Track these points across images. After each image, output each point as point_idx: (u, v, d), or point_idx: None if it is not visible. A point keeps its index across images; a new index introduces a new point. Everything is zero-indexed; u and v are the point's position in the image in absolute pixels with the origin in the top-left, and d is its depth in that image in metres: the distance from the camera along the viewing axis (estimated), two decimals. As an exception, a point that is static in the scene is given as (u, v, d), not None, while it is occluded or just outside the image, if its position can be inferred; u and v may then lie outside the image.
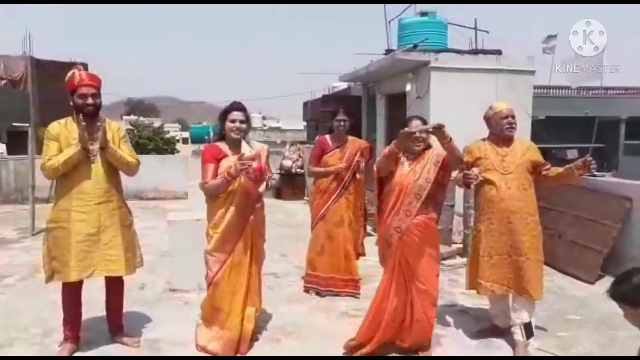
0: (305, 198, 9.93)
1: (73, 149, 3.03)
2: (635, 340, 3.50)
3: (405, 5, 8.96)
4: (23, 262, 5.56)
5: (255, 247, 3.34)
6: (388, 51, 8.18)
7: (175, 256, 4.59)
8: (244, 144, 3.28)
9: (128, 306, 4.13)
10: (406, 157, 3.25)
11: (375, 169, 3.36)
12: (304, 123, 36.81)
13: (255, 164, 3.02)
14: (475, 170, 3.36)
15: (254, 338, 3.38)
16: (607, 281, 4.81)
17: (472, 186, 3.39)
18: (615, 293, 2.08)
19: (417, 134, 3.10)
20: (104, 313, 3.62)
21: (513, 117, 3.39)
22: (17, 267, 5.32)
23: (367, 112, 9.82)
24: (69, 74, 3.13)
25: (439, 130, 2.97)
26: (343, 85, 23.37)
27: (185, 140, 51.47)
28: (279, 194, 11.11)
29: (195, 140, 50.77)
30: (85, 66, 20.39)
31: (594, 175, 5.95)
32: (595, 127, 10.84)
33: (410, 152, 3.22)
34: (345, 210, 4.40)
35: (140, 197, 10.40)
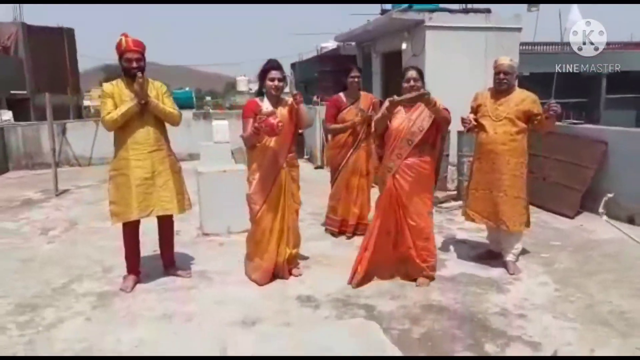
0: (306, 156, 10.42)
1: (129, 103, 3.51)
2: (605, 258, 4.24)
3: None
4: (58, 217, 6.07)
5: (289, 192, 3.78)
6: (384, 11, 8.56)
7: (205, 204, 5.13)
8: (265, 101, 3.70)
9: (170, 248, 4.72)
10: (403, 105, 3.60)
11: (372, 127, 3.84)
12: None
13: (272, 120, 3.41)
14: (471, 116, 3.94)
15: (291, 270, 3.91)
16: (584, 216, 5.54)
17: (467, 130, 3.96)
18: None
19: (412, 84, 3.54)
20: (155, 252, 4.19)
21: (505, 73, 3.87)
22: (55, 222, 5.83)
23: (363, 70, 10.23)
24: (117, 40, 3.56)
25: (423, 97, 3.42)
26: (332, 46, 23.44)
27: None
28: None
29: (179, 105, 50.11)
30: (72, 31, 20.26)
31: (574, 123, 6.59)
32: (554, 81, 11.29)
33: (405, 102, 3.55)
34: (364, 161, 4.82)
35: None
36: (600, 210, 2.72)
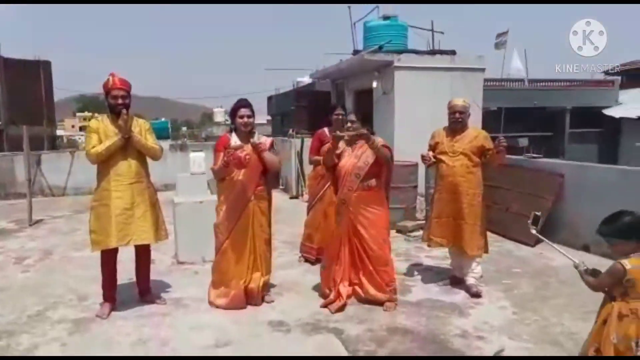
0: (281, 187, 10.62)
1: (114, 138, 3.70)
2: (560, 284, 4.50)
3: (369, 9, 9.81)
4: (33, 247, 6.09)
5: (257, 224, 3.94)
6: (356, 52, 9.01)
7: (180, 233, 5.26)
8: (233, 135, 3.94)
9: (145, 276, 4.81)
10: (349, 144, 3.98)
11: (322, 163, 4.12)
12: (267, 117, 37.08)
13: (239, 153, 3.65)
14: (430, 153, 4.26)
15: (263, 297, 4.05)
16: (543, 245, 5.84)
17: (427, 165, 4.26)
18: (607, 230, 2.45)
19: (349, 125, 3.88)
20: (130, 280, 4.29)
21: (460, 113, 4.22)
22: (30, 251, 5.86)
23: (329, 107, 10.62)
24: (106, 79, 3.78)
25: (363, 135, 3.77)
26: (307, 80, 24.04)
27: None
28: (254, 184, 11.75)
29: (156, 136, 49.97)
30: (48, 64, 20.31)
31: (534, 157, 6.99)
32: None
33: (349, 142, 3.96)
34: None
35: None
36: (529, 223, 2.99)
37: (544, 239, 2.99)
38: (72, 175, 10.67)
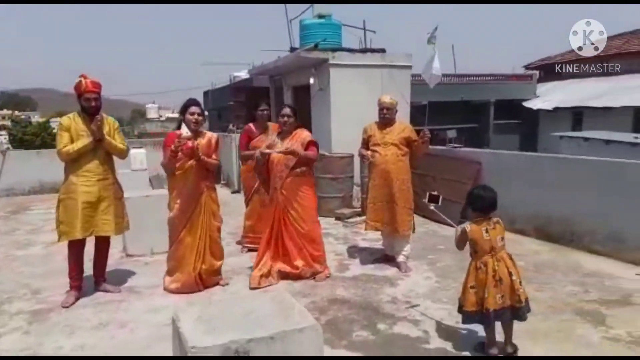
0: (222, 181, 10.84)
1: (86, 140, 3.94)
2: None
3: (304, 8, 10.23)
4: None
5: (209, 212, 4.29)
6: (293, 49, 9.39)
7: (130, 227, 5.44)
8: (183, 127, 4.26)
9: (97, 269, 4.99)
10: (280, 137, 4.50)
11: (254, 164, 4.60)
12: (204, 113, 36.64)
13: (190, 143, 4.02)
14: (368, 153, 4.76)
15: (217, 281, 4.40)
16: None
17: (367, 162, 4.75)
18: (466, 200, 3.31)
19: (285, 119, 4.44)
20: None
21: (387, 109, 4.75)
22: (-29, 252, 5.80)
23: (275, 101, 10.97)
24: (77, 81, 3.97)
25: (290, 152, 4.30)
26: (244, 75, 24.09)
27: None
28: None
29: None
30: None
31: (456, 147, 7.72)
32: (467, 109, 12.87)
33: (284, 133, 4.49)
34: None
35: (57, 190, 10.65)
36: (425, 201, 3.72)
37: (440, 213, 3.72)
38: (3, 176, 10.35)
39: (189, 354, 1.72)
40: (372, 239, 6.00)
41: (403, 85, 8.80)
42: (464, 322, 3.16)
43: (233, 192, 10.05)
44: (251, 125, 5.48)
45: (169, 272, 4.35)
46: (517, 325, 3.06)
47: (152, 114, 44.12)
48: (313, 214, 4.53)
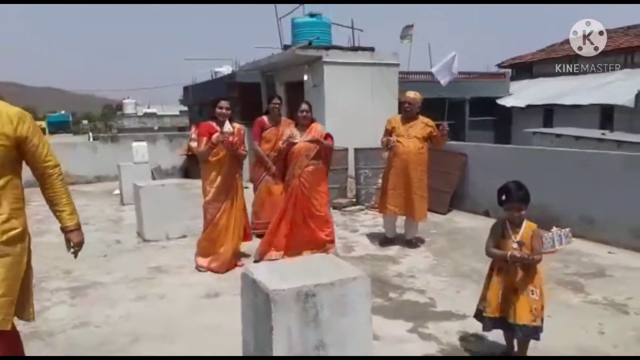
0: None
1: None
2: (466, 239, 5.69)
3: (294, 6, 10.64)
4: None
5: (240, 197, 4.73)
6: (286, 46, 9.79)
7: (145, 214, 5.79)
8: (227, 123, 4.66)
9: (117, 253, 5.36)
10: (298, 130, 4.92)
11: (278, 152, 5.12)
12: (181, 108, 36.12)
13: (231, 138, 4.45)
14: (394, 137, 5.23)
15: (236, 262, 4.78)
16: (453, 212, 7.13)
17: (389, 148, 5.21)
18: (524, 196, 2.78)
19: (304, 114, 4.89)
20: (106, 257, 4.80)
21: (409, 103, 5.22)
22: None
23: (267, 97, 11.34)
24: None
25: (315, 142, 4.79)
26: (226, 71, 24.22)
27: (42, 131, 47.16)
28: (186, 173, 12.14)
29: (55, 130, 46.81)
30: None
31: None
32: (446, 107, 13.55)
33: (301, 126, 4.92)
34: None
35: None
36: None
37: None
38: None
39: (271, 296, 2.16)
40: (370, 225, 6.52)
41: (391, 82, 9.32)
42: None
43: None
44: (264, 117, 5.89)
45: (203, 253, 4.67)
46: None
47: (129, 109, 43.48)
48: (327, 200, 5.01)
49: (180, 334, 3.32)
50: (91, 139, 13.36)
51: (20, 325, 3.49)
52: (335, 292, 2.29)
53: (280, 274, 2.40)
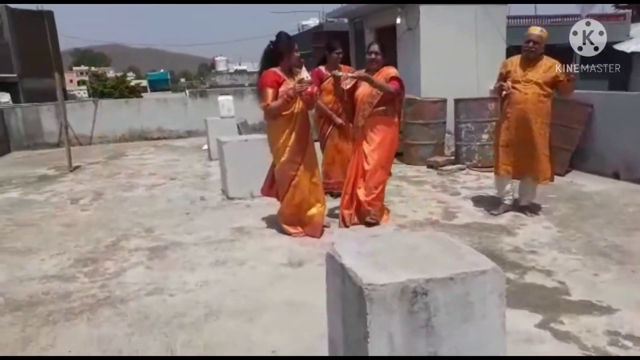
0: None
1: None
2: (596, 206, 4.75)
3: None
4: (82, 189, 6.36)
5: (315, 155, 4.19)
6: (377, -12, 8.87)
7: (229, 171, 5.46)
8: (303, 70, 4.09)
9: (201, 210, 5.10)
10: (368, 74, 4.17)
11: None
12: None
13: (310, 89, 3.84)
14: (508, 83, 4.35)
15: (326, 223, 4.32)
16: (573, 173, 6.08)
17: (504, 95, 4.35)
18: None
19: (372, 57, 4.20)
20: (189, 214, 4.51)
21: (534, 42, 4.25)
22: (80, 193, 6.12)
23: (355, 45, 10.58)
24: None
25: (363, 78, 4.09)
26: (313, 23, 23.55)
27: (144, 89, 50.03)
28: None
29: (154, 88, 49.51)
30: (51, 14, 19.95)
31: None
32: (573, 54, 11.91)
33: (370, 72, 4.19)
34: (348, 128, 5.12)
35: (145, 137, 11.08)
36: None
37: None
38: (96, 124, 10.84)
39: (366, 292, 1.59)
40: (473, 187, 5.72)
41: (499, 22, 8.13)
42: None
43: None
44: (321, 67, 5.19)
45: (290, 222, 4.16)
46: None
47: (221, 66, 44.54)
48: (384, 159, 4.31)
49: (259, 310, 2.90)
50: (187, 95, 13.49)
51: (96, 288, 3.33)
52: (456, 290, 1.68)
53: (374, 258, 1.81)
